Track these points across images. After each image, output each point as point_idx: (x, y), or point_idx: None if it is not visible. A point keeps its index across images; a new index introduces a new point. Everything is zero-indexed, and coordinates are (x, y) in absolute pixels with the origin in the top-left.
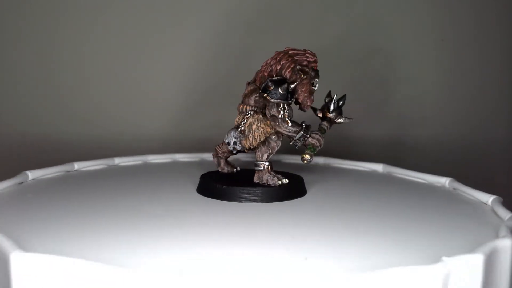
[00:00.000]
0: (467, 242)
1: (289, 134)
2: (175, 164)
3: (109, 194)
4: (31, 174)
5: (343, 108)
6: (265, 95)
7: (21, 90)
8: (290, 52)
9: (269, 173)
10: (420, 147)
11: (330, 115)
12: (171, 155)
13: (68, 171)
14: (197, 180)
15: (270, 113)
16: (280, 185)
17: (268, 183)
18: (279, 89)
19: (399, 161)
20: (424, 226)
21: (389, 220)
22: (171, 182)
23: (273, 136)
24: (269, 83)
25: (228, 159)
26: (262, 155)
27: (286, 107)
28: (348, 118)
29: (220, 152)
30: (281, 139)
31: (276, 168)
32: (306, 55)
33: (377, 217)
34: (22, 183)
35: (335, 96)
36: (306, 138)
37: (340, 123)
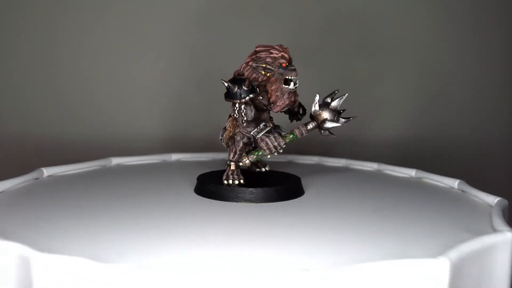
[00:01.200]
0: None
1: (247, 135)
2: (173, 164)
3: (106, 195)
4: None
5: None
6: (224, 94)
7: (20, 90)
8: (257, 49)
9: (227, 172)
10: (420, 147)
11: (323, 116)
12: (168, 155)
13: (71, 172)
14: (195, 181)
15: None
16: (227, 185)
17: (224, 181)
18: (229, 89)
19: (398, 161)
20: (423, 225)
21: (387, 219)
22: (169, 183)
23: (236, 136)
24: (224, 83)
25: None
26: (229, 154)
27: (242, 106)
28: (336, 122)
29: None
30: (244, 139)
31: (276, 168)
32: (271, 51)
33: (374, 216)
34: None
35: (317, 96)
36: (259, 142)
37: (326, 128)
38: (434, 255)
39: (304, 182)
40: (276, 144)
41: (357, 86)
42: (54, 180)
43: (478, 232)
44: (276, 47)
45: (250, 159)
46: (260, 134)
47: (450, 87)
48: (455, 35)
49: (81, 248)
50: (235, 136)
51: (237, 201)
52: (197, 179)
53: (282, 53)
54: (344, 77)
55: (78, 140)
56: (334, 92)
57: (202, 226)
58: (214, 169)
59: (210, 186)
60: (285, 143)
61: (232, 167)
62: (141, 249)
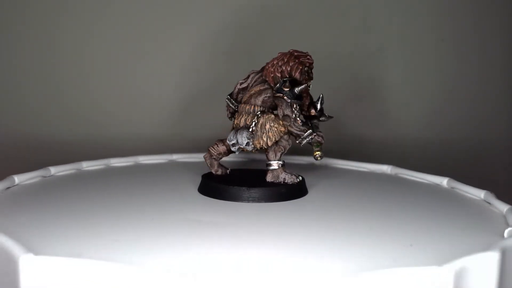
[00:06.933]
0: (474, 241)
1: (299, 133)
2: (175, 164)
3: (110, 195)
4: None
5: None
6: (281, 95)
7: (20, 90)
8: (295, 54)
9: (285, 171)
10: (421, 148)
11: (316, 113)
12: (170, 155)
13: (74, 171)
14: (198, 180)
15: (283, 113)
16: (298, 182)
17: (286, 181)
18: (295, 90)
19: (399, 161)
20: (427, 226)
21: (391, 220)
22: (172, 182)
23: (285, 136)
24: (287, 84)
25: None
26: (276, 154)
27: (298, 107)
28: (329, 117)
29: (216, 153)
30: (291, 138)
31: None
32: (308, 57)
33: (378, 217)
34: (9, 188)
35: (321, 95)
36: (313, 136)
37: (322, 121)
38: (436, 258)
39: (308, 182)
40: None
41: (357, 87)
42: (56, 179)
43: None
44: (308, 53)
45: (322, 153)
46: (316, 130)
47: (450, 87)
48: (455, 35)
49: (80, 248)
50: (284, 135)
51: (240, 201)
52: (201, 177)
53: (312, 60)
54: (344, 78)
55: (78, 140)
56: (322, 96)
57: (204, 225)
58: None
59: (214, 185)
60: None
61: (284, 166)
62: (143, 248)
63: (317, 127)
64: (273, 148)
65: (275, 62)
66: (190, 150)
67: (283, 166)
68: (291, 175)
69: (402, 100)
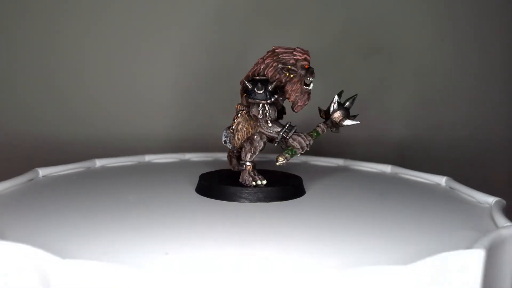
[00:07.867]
0: (465, 239)
1: (271, 135)
2: (174, 164)
3: (107, 194)
4: (42, 171)
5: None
6: (245, 95)
7: (20, 90)
8: (277, 50)
9: (248, 173)
10: (420, 147)
11: (332, 116)
12: (169, 155)
13: (68, 171)
14: (196, 180)
15: (251, 113)
16: (255, 186)
17: (246, 183)
18: (256, 89)
19: (398, 161)
20: (423, 225)
21: (388, 219)
22: (170, 182)
23: (256, 136)
24: (247, 83)
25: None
26: (246, 155)
27: (267, 107)
28: (354, 121)
29: (230, 150)
30: (264, 139)
31: (276, 168)
32: (294, 53)
33: (375, 216)
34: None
35: (336, 96)
36: (287, 141)
37: (344, 125)
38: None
39: (306, 182)
40: (307, 142)
41: (357, 87)
42: (50, 181)
43: (484, 230)
44: (298, 49)
45: (287, 158)
46: (291, 134)
47: (450, 87)
48: (455, 35)
49: (79, 248)
50: (254, 136)
51: (238, 201)
52: (199, 178)
53: (304, 56)
54: (344, 78)
55: (78, 140)
56: (354, 96)
57: (202, 226)
58: (216, 168)
59: (212, 185)
60: (313, 141)
61: (251, 168)
62: (139, 249)
63: (318, 132)
64: (244, 149)
65: (257, 61)
66: (191, 150)
67: (252, 167)
68: (249, 177)
69: (402, 100)
